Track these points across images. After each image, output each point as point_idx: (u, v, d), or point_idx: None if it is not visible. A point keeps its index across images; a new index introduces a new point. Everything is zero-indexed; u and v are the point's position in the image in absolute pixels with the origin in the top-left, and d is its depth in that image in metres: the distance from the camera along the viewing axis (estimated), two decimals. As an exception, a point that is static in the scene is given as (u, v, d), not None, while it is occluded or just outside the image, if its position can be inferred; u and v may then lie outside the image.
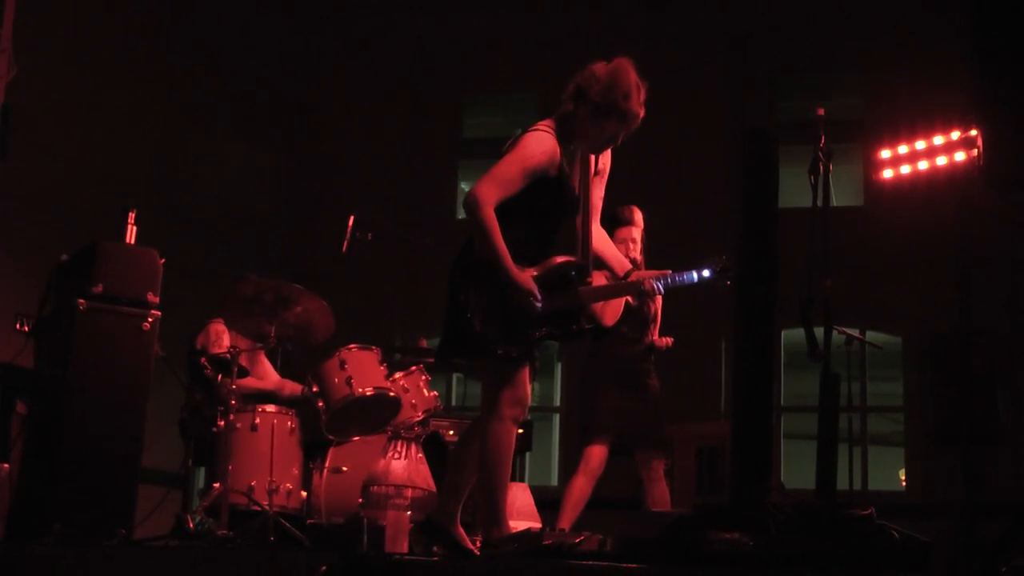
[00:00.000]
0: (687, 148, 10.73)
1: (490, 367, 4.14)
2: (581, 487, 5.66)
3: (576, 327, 4.23)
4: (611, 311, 5.71)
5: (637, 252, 5.78)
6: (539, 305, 4.05)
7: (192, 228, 9.92)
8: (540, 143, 4.12)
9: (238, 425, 5.64)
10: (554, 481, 10.88)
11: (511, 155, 4.11)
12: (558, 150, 4.14)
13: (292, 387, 6.35)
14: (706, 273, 4.99)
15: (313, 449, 5.92)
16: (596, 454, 5.70)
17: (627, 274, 4.63)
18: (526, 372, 4.14)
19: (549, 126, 4.17)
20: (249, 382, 6.16)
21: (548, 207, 4.18)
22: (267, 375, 6.48)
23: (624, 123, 4.14)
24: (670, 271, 5.11)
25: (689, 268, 5.13)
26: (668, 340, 5.88)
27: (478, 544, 4.22)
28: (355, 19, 12.01)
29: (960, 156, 8.21)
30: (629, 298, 5.81)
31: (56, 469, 5.00)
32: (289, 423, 5.82)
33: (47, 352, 5.48)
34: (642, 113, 4.14)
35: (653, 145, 10.65)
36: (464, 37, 11.86)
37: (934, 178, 8.49)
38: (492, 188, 4.04)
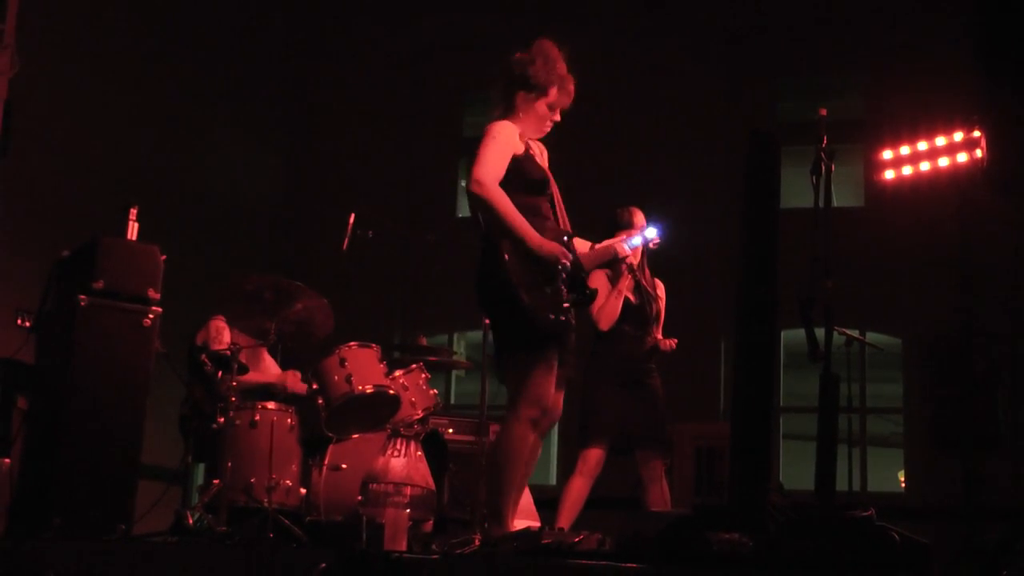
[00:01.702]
0: (687, 148, 10.71)
1: (518, 363, 4.13)
2: (579, 487, 5.66)
3: (590, 290, 4.30)
4: (607, 314, 5.72)
5: (636, 257, 5.76)
6: (567, 263, 4.13)
7: (193, 225, 9.92)
8: (503, 126, 4.26)
9: (237, 422, 5.63)
10: (553, 480, 10.86)
11: (484, 143, 4.21)
12: (518, 131, 4.29)
13: (294, 378, 6.34)
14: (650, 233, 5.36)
15: (312, 446, 5.91)
16: (593, 455, 5.70)
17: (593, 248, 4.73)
18: (552, 372, 4.14)
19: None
20: (249, 376, 6.16)
21: (533, 182, 4.28)
22: (269, 372, 6.47)
23: (564, 90, 4.33)
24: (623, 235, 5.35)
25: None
26: (672, 342, 5.88)
27: (476, 541, 4.23)
28: (355, 18, 12.00)
29: (962, 157, 8.19)
30: (630, 296, 5.80)
31: (56, 465, 5.00)
32: (288, 420, 5.82)
33: (48, 348, 5.48)
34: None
35: (653, 145, 10.71)
36: (464, 37, 11.85)
37: (936, 179, 8.48)
38: (486, 167, 4.14)
